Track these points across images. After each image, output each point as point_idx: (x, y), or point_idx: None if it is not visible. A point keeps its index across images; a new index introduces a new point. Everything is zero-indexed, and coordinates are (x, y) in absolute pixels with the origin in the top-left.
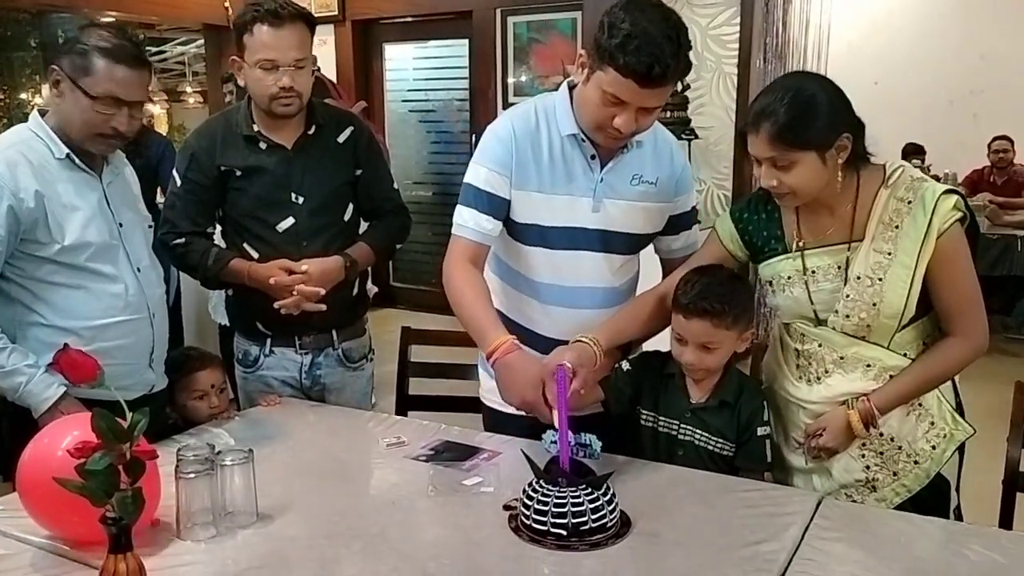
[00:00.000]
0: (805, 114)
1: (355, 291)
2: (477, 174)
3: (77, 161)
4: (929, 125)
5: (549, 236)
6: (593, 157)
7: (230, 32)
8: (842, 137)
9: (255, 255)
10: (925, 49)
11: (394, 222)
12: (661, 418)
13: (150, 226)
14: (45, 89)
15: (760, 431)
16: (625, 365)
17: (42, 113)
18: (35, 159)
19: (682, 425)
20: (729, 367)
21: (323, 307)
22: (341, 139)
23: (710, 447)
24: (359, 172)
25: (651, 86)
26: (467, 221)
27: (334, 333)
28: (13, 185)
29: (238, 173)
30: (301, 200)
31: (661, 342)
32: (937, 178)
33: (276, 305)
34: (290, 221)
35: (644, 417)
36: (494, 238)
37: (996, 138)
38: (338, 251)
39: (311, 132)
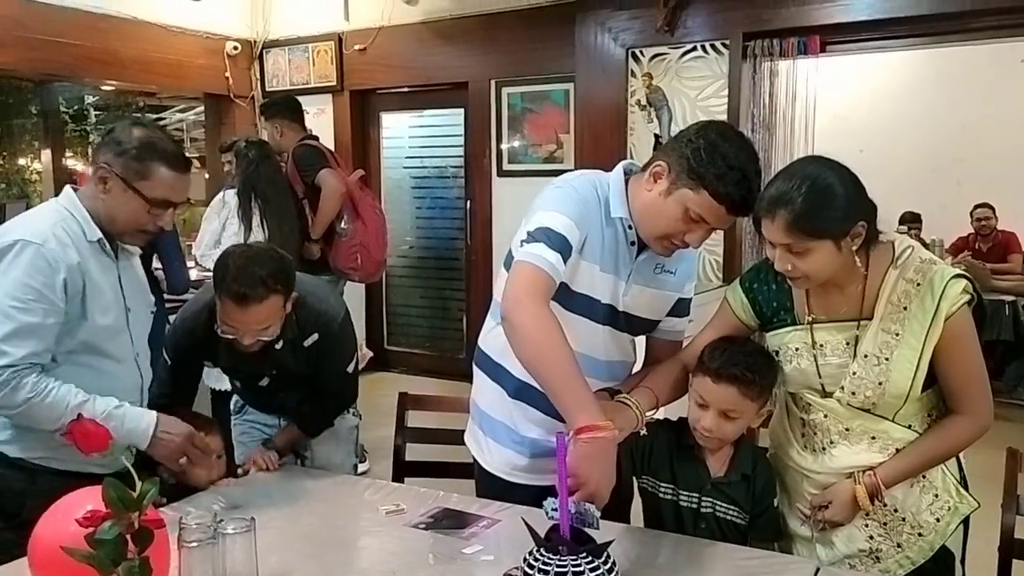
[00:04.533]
0: (823, 204)
1: (350, 367)
2: (555, 219)
3: (107, 247)
4: (914, 192)
5: (595, 309)
6: (633, 243)
7: (230, 100)
8: (857, 225)
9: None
10: (908, 119)
11: (329, 402)
12: (682, 492)
13: (152, 312)
14: (45, 155)
15: (775, 503)
16: (643, 430)
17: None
18: (74, 237)
19: (703, 498)
20: (743, 439)
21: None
22: (307, 343)
23: (728, 517)
24: (312, 370)
25: (739, 215)
26: (546, 255)
27: None
28: (66, 260)
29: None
30: (270, 377)
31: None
32: (925, 244)
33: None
34: (266, 381)
35: (663, 491)
36: (557, 285)
37: (977, 206)
38: (314, 400)
39: (278, 347)
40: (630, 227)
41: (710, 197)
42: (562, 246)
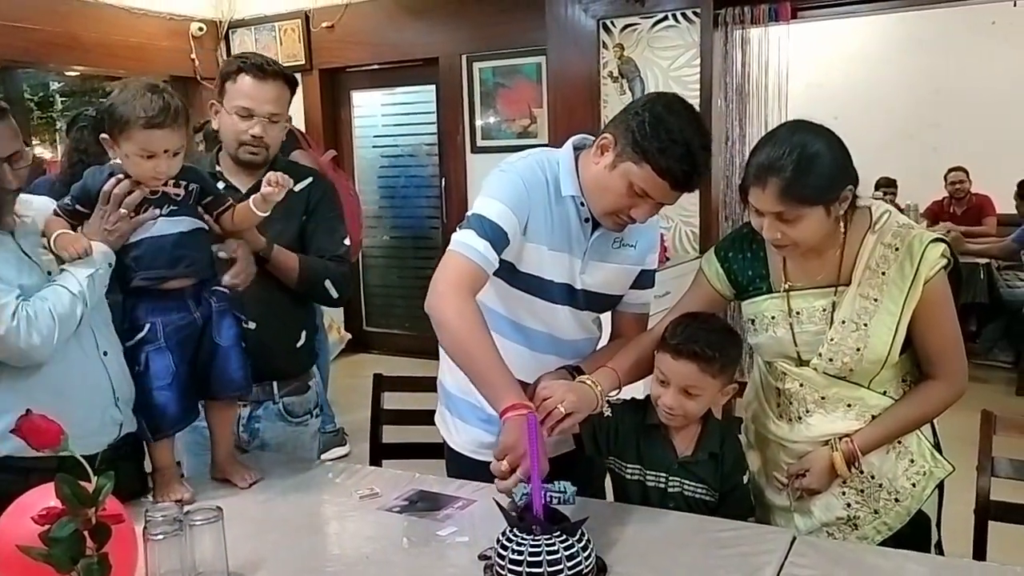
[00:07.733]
0: (814, 170)
1: (300, 342)
2: (489, 207)
3: None
4: (890, 158)
5: (547, 289)
6: (587, 220)
7: (197, 83)
8: (846, 189)
9: None
10: (882, 85)
11: (330, 263)
12: (648, 472)
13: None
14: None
15: (744, 479)
16: (607, 411)
17: None
18: None
19: (670, 477)
20: (708, 417)
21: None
22: (297, 188)
23: (697, 495)
24: (304, 219)
25: (683, 190)
26: (476, 244)
27: (275, 385)
28: None
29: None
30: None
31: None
32: (900, 210)
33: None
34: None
35: (629, 472)
36: (489, 275)
37: (951, 170)
38: (292, 298)
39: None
40: (582, 204)
41: (652, 171)
42: (494, 234)
